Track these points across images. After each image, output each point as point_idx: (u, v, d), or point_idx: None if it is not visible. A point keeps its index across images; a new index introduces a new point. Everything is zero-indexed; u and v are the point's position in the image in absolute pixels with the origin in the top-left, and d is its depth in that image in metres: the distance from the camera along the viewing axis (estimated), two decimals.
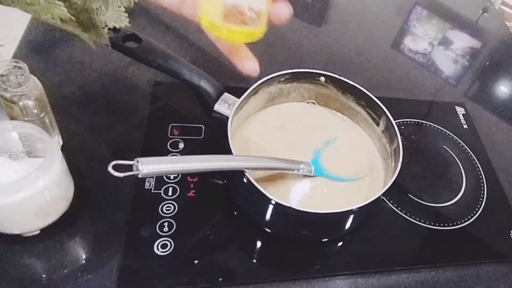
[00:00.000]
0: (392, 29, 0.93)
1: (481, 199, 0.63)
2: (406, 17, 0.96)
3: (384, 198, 0.60)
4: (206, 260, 0.49)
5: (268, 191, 0.45)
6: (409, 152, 0.66)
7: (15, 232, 0.46)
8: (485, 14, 1.03)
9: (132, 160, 0.38)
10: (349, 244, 0.55)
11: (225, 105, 0.54)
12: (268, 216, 0.51)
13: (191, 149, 0.58)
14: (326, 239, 0.54)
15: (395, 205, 0.59)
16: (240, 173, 0.48)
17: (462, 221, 0.59)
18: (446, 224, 0.58)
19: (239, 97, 0.53)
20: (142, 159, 0.38)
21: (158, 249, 0.49)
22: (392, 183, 0.49)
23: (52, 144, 0.46)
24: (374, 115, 0.58)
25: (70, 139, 0.56)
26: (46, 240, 0.47)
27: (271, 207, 0.49)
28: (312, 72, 0.59)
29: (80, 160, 0.54)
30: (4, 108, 0.49)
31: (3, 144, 0.47)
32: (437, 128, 0.72)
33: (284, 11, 0.35)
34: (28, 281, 0.45)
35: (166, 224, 0.51)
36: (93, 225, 0.50)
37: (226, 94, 0.55)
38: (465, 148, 0.69)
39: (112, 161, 0.37)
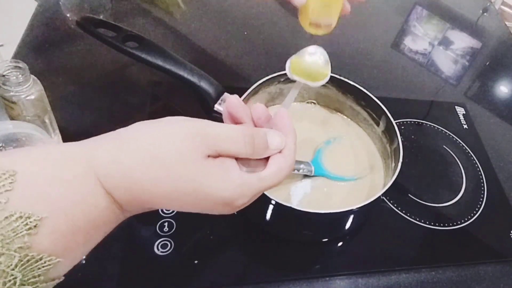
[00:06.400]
0: (392, 29, 0.93)
1: (481, 199, 0.62)
2: (406, 17, 0.96)
3: (384, 198, 0.59)
4: (206, 260, 0.49)
5: (269, 191, 0.45)
6: (409, 152, 0.66)
7: None
8: (485, 14, 1.03)
9: None
10: (349, 244, 0.55)
11: (225, 105, 0.54)
12: (268, 216, 0.51)
13: None
14: (326, 239, 0.54)
15: (395, 205, 0.59)
16: None
17: (462, 221, 0.59)
18: (446, 224, 0.58)
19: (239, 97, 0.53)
20: None
21: (158, 249, 0.49)
22: (392, 183, 0.49)
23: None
24: (374, 115, 0.58)
25: (70, 139, 0.56)
26: None
27: (271, 207, 0.49)
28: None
29: None
30: (4, 108, 0.49)
31: (3, 144, 0.47)
32: (437, 128, 0.72)
33: None
34: None
35: (166, 224, 0.51)
36: None
37: (226, 94, 0.55)
38: (465, 148, 0.69)
39: None
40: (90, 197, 0.25)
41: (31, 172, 0.23)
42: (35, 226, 0.22)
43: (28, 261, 0.22)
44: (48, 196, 0.23)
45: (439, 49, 0.91)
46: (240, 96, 0.53)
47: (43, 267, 0.22)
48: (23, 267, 0.21)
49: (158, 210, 0.51)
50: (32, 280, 0.22)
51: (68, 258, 0.24)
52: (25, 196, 0.22)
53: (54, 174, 0.24)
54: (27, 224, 0.21)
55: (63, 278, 0.26)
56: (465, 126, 0.73)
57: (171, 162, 0.27)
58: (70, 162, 0.25)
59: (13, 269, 0.21)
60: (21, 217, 0.21)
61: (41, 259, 0.22)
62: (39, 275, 0.22)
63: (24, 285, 0.22)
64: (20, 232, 0.21)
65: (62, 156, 0.25)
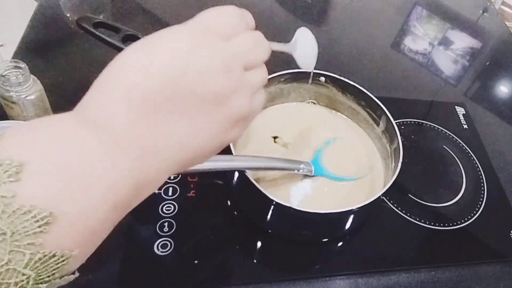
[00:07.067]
0: (392, 29, 0.93)
1: (481, 199, 0.63)
2: (406, 17, 0.96)
3: (384, 198, 0.60)
4: (206, 260, 0.49)
5: (269, 191, 0.45)
6: (409, 152, 0.66)
7: None
8: (485, 14, 1.03)
9: None
10: (349, 244, 0.55)
11: None
12: (268, 216, 0.51)
13: None
14: (326, 239, 0.54)
15: (395, 205, 0.59)
16: (240, 173, 0.48)
17: (462, 221, 0.59)
18: (446, 224, 0.58)
19: None
20: None
21: (158, 249, 0.49)
22: (392, 183, 0.49)
23: None
24: (374, 115, 0.58)
25: None
26: None
27: (271, 207, 0.49)
28: (312, 72, 0.59)
29: None
30: (4, 108, 0.49)
31: None
32: (437, 128, 0.72)
33: None
34: None
35: (166, 224, 0.51)
36: None
37: None
38: (465, 148, 0.69)
39: None
40: (70, 131, 0.22)
41: (22, 125, 0.22)
42: (16, 173, 0.20)
43: (43, 256, 0.20)
44: (31, 141, 0.21)
45: (439, 49, 0.91)
46: None
47: (57, 263, 0.21)
48: (39, 263, 0.20)
49: (158, 210, 0.51)
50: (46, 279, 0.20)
51: (69, 210, 0.21)
52: (12, 144, 0.21)
53: (41, 126, 0.22)
54: (7, 170, 0.19)
55: (77, 270, 0.23)
56: (465, 126, 0.73)
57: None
58: (57, 115, 0.24)
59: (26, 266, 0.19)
60: (7, 165, 0.20)
61: (54, 256, 0.20)
62: (53, 272, 0.20)
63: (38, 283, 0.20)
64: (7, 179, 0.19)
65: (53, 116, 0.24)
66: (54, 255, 0.20)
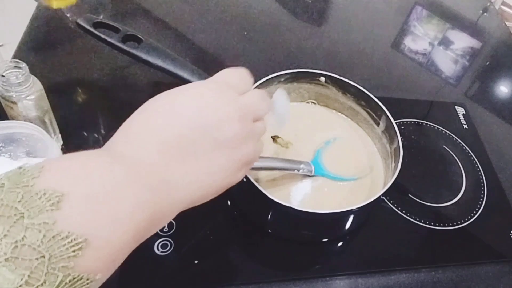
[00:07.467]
0: (392, 29, 0.93)
1: (481, 199, 0.63)
2: (406, 17, 0.96)
3: (384, 198, 0.60)
4: (206, 260, 0.49)
5: (269, 191, 0.45)
6: (409, 152, 0.66)
7: None
8: (485, 14, 1.03)
9: None
10: (349, 244, 0.55)
11: None
12: (268, 216, 0.51)
13: None
14: (326, 239, 0.54)
15: (395, 205, 0.59)
16: None
17: (462, 221, 0.59)
18: (446, 224, 0.58)
19: None
20: None
21: (158, 249, 0.49)
22: (392, 183, 0.49)
23: (52, 144, 0.46)
24: (374, 115, 0.58)
25: (70, 139, 0.56)
26: None
27: (271, 207, 0.49)
28: (312, 72, 0.59)
29: None
30: (4, 108, 0.49)
31: (3, 144, 0.47)
32: (437, 128, 0.72)
33: None
34: None
35: (166, 224, 0.51)
36: None
37: None
38: (465, 148, 0.69)
39: None
40: (103, 165, 0.25)
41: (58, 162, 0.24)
42: (58, 202, 0.22)
43: (72, 279, 0.22)
44: (70, 174, 0.23)
45: (439, 49, 0.91)
46: None
47: (82, 286, 0.22)
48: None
49: None
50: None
51: (97, 236, 0.23)
52: (54, 176, 0.23)
53: (79, 160, 0.25)
54: (50, 200, 0.21)
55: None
56: (465, 126, 0.73)
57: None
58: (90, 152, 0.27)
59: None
60: (45, 194, 0.21)
61: (81, 278, 0.22)
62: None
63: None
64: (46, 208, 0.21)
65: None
66: (81, 278, 0.22)
